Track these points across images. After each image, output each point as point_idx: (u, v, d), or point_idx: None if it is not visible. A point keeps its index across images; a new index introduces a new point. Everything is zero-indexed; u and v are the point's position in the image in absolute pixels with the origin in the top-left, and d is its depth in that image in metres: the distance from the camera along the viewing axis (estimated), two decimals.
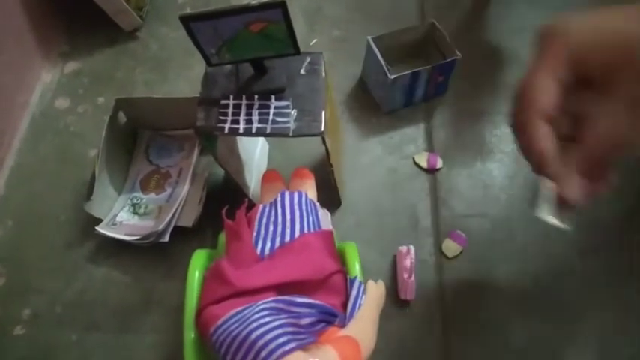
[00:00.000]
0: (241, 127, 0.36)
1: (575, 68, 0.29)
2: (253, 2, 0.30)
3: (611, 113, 0.29)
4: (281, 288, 0.32)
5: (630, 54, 0.28)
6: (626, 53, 0.28)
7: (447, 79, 0.54)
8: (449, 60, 0.51)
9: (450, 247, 0.47)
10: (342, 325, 0.32)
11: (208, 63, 0.35)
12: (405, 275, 0.44)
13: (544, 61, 0.29)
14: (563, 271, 0.46)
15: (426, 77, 0.51)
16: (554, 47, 0.29)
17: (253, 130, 0.36)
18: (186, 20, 0.31)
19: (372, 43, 0.51)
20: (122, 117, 0.50)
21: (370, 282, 0.36)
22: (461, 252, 0.47)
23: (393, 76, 0.49)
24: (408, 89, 0.52)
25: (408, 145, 0.53)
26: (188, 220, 0.47)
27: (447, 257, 0.47)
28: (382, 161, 0.53)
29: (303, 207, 0.36)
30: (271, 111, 0.36)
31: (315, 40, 0.61)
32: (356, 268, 0.36)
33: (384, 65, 0.50)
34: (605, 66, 0.28)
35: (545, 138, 0.29)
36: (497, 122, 0.54)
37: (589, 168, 0.29)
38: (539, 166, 0.29)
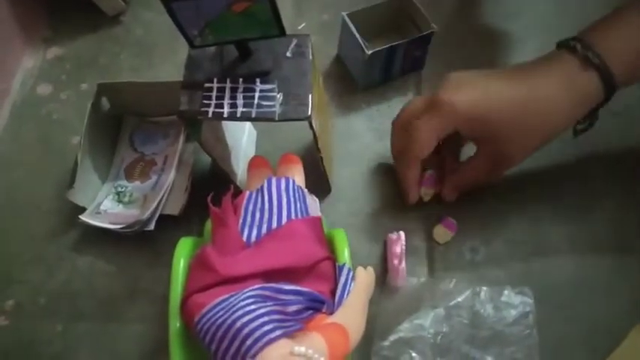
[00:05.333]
0: (226, 111, 0.35)
1: (451, 130, 0.40)
2: None
3: (475, 166, 0.44)
4: (268, 275, 0.31)
5: (490, 129, 0.40)
6: (487, 129, 0.40)
7: (424, 53, 0.53)
8: (425, 33, 0.50)
9: (441, 233, 0.46)
10: (331, 313, 0.32)
11: (191, 45, 0.34)
12: (396, 262, 0.43)
13: (431, 123, 0.40)
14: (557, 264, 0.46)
15: (403, 52, 0.51)
16: (442, 116, 0.39)
17: (238, 114, 0.35)
18: (167, 0, 0.30)
19: (347, 19, 0.50)
20: (105, 103, 0.49)
21: (359, 269, 0.36)
22: (451, 238, 0.47)
23: (369, 52, 0.48)
24: (385, 65, 0.52)
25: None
26: (174, 208, 0.46)
27: (437, 243, 0.46)
28: (372, 147, 0.52)
29: (291, 193, 0.35)
30: (256, 94, 0.35)
31: (304, 24, 0.60)
32: (345, 255, 0.35)
33: (360, 41, 0.49)
34: (475, 133, 0.41)
35: (415, 175, 0.45)
36: None
37: (453, 190, 0.46)
38: (405, 189, 0.46)
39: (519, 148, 0.41)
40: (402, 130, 0.44)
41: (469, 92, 0.39)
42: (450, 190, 0.47)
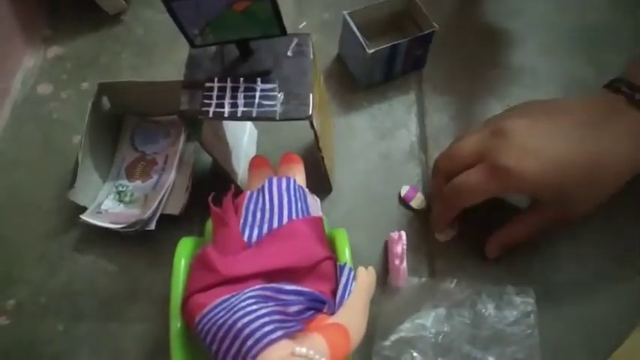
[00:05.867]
0: (226, 110, 0.35)
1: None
2: None
3: (530, 223, 0.42)
4: (269, 275, 0.31)
5: (558, 193, 0.38)
6: (555, 194, 0.39)
7: (426, 52, 0.53)
8: (426, 32, 0.50)
9: (441, 232, 0.46)
10: (332, 313, 0.32)
11: (192, 44, 0.34)
12: (397, 262, 0.43)
13: (489, 187, 0.39)
14: None
15: (404, 51, 0.51)
16: (505, 183, 0.38)
17: (239, 114, 0.35)
18: None
19: (348, 18, 0.50)
20: (106, 102, 0.49)
21: (360, 268, 0.36)
22: (452, 237, 0.46)
23: (370, 51, 0.48)
24: (387, 64, 0.52)
25: (399, 129, 0.52)
26: (175, 208, 0.46)
27: (438, 242, 0.47)
28: (374, 146, 0.52)
29: (292, 193, 0.35)
30: (257, 94, 0.35)
31: (304, 23, 0.60)
32: (346, 255, 0.35)
33: (361, 40, 0.49)
34: (539, 197, 0.40)
35: (452, 217, 0.44)
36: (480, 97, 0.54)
37: (499, 247, 0.44)
38: (438, 225, 0.46)
39: (586, 206, 0.40)
40: (447, 177, 0.42)
41: (537, 160, 0.37)
42: (495, 246, 0.44)
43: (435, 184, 0.45)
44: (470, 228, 0.47)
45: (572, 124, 0.38)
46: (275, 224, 0.33)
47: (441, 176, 0.43)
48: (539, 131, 0.38)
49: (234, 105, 0.35)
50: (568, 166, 0.37)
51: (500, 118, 0.41)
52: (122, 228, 0.44)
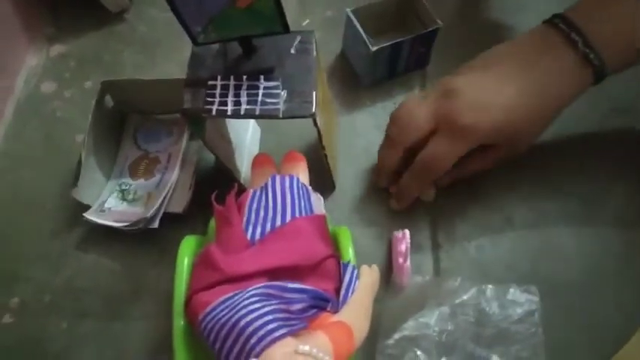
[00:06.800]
0: (229, 108, 0.35)
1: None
2: None
3: (481, 161, 0.45)
4: (272, 274, 0.31)
5: (509, 136, 0.41)
6: (507, 137, 0.42)
7: (429, 50, 0.53)
8: (430, 30, 0.50)
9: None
10: (335, 311, 0.32)
11: (194, 42, 0.34)
12: (401, 260, 0.43)
13: (455, 150, 0.41)
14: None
15: (408, 48, 0.50)
16: (466, 141, 0.40)
17: (242, 112, 0.35)
18: None
19: (351, 15, 0.50)
20: (109, 100, 0.49)
21: (364, 267, 0.35)
22: (454, 237, 0.46)
23: (374, 49, 0.48)
24: (390, 61, 0.51)
25: None
26: (178, 206, 0.46)
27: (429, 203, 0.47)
28: (377, 144, 0.52)
29: (295, 191, 0.35)
30: (260, 92, 0.35)
31: (308, 21, 0.60)
32: (349, 253, 0.35)
33: (364, 38, 0.49)
34: (493, 142, 0.42)
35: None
36: None
37: (450, 179, 0.46)
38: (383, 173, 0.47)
39: (531, 140, 0.44)
40: (404, 148, 0.43)
41: (490, 112, 0.40)
42: (448, 180, 0.46)
43: (389, 155, 0.45)
44: (474, 227, 0.47)
45: (512, 67, 0.41)
46: (278, 222, 0.33)
47: (396, 147, 0.44)
48: (485, 83, 0.41)
49: (237, 103, 0.35)
50: (516, 111, 0.40)
51: (446, 80, 0.42)
52: (125, 226, 0.44)
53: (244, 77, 0.35)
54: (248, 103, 0.35)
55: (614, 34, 0.39)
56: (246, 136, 0.49)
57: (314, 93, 0.35)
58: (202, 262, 0.32)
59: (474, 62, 0.43)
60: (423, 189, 0.46)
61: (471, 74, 0.41)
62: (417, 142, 0.42)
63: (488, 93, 0.40)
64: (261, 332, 0.26)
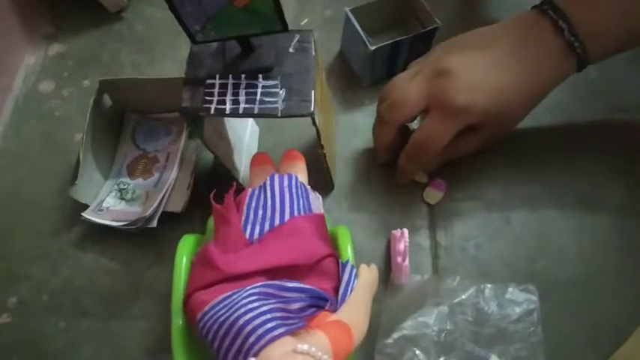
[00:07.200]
0: (228, 107, 0.35)
1: None
2: None
3: (471, 143, 0.45)
4: (271, 273, 0.31)
5: (500, 118, 0.42)
6: (498, 119, 0.42)
7: (428, 48, 0.53)
8: (429, 29, 0.50)
9: (430, 194, 0.47)
10: (334, 310, 0.31)
11: (193, 41, 0.34)
12: (399, 259, 0.43)
13: (449, 129, 0.41)
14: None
15: (407, 47, 0.50)
16: (459, 120, 0.41)
17: (240, 111, 0.34)
18: None
19: (350, 14, 0.50)
20: (107, 100, 0.49)
21: (363, 266, 0.35)
22: (453, 237, 0.46)
23: (373, 48, 0.48)
24: (389, 61, 0.51)
25: None
26: (177, 206, 0.46)
27: (429, 205, 0.48)
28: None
29: (294, 190, 0.35)
30: (259, 91, 0.35)
31: (306, 20, 0.60)
32: (348, 252, 0.35)
33: (363, 37, 0.48)
34: (483, 123, 0.42)
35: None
36: None
37: (439, 162, 0.46)
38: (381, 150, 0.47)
39: (517, 122, 0.46)
40: (397, 126, 0.44)
41: (483, 93, 0.40)
42: (437, 163, 0.47)
43: (382, 133, 0.46)
44: (474, 225, 0.47)
45: (502, 51, 0.41)
46: (277, 221, 0.33)
47: (389, 126, 0.44)
48: (477, 64, 0.41)
49: (235, 102, 0.35)
50: (506, 93, 0.41)
51: (437, 59, 0.42)
52: (124, 226, 0.44)
53: (243, 76, 0.35)
54: (246, 102, 0.35)
55: (600, 23, 0.40)
56: (244, 135, 0.49)
57: (312, 92, 0.35)
58: (201, 261, 0.32)
59: (466, 40, 0.43)
60: (418, 168, 0.46)
61: (464, 54, 0.41)
62: (409, 120, 0.43)
63: (481, 74, 0.40)
64: (260, 331, 0.26)
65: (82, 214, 0.45)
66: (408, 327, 0.40)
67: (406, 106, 0.42)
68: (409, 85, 0.42)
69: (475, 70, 0.40)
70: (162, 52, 0.59)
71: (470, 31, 0.44)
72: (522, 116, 0.45)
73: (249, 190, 0.35)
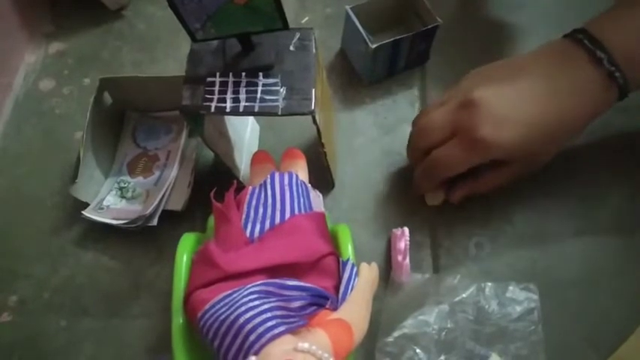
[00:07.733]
0: (228, 105, 0.35)
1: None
2: None
3: (501, 176, 0.43)
4: (271, 271, 0.31)
5: (530, 153, 0.41)
6: (528, 153, 0.41)
7: (429, 47, 0.53)
8: (429, 27, 0.49)
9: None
10: (334, 309, 0.31)
11: (193, 39, 0.34)
12: (400, 257, 0.43)
13: (470, 159, 0.40)
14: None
15: (408, 46, 0.50)
16: (484, 153, 0.39)
17: (241, 109, 0.34)
18: None
19: (350, 12, 0.50)
20: (107, 98, 0.49)
21: (363, 264, 0.35)
22: (455, 235, 0.46)
23: (374, 46, 0.48)
24: (390, 59, 0.51)
25: (402, 125, 0.52)
26: (177, 204, 0.46)
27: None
28: (377, 142, 0.52)
29: (294, 188, 0.35)
30: (259, 89, 0.35)
31: (307, 18, 0.60)
32: (348, 251, 0.35)
33: (364, 35, 0.48)
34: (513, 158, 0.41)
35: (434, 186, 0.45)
36: None
37: (464, 195, 0.45)
38: (420, 192, 0.46)
39: (548, 157, 0.43)
40: (424, 154, 0.43)
41: (510, 127, 0.39)
42: (461, 194, 0.45)
43: (412, 157, 0.46)
44: (474, 224, 0.47)
45: (534, 84, 0.40)
46: (277, 220, 0.33)
47: (415, 152, 0.44)
48: (506, 97, 0.39)
49: (236, 100, 0.35)
50: (535, 127, 0.39)
51: (465, 88, 0.41)
52: (124, 224, 0.44)
53: (243, 74, 0.35)
54: (247, 100, 0.35)
55: (637, 50, 0.38)
56: (245, 134, 0.49)
57: (313, 90, 0.35)
58: (201, 259, 0.32)
59: (494, 72, 0.42)
60: (430, 186, 0.45)
61: (491, 86, 0.40)
62: (434, 146, 0.42)
63: (508, 108, 0.39)
64: (260, 329, 0.26)
65: (83, 212, 0.45)
66: (408, 325, 0.40)
67: (431, 132, 0.42)
68: (435, 113, 0.42)
69: (504, 104, 0.39)
70: (163, 51, 0.59)
71: (499, 61, 0.43)
72: (553, 153, 0.43)
73: (250, 188, 0.35)
